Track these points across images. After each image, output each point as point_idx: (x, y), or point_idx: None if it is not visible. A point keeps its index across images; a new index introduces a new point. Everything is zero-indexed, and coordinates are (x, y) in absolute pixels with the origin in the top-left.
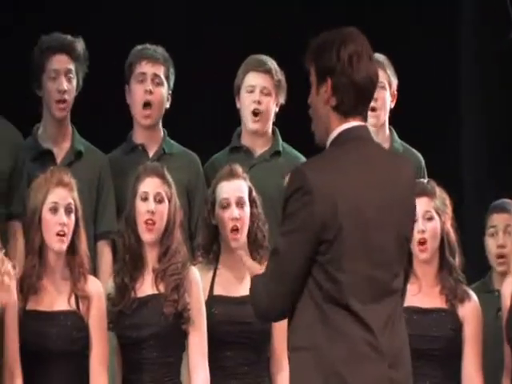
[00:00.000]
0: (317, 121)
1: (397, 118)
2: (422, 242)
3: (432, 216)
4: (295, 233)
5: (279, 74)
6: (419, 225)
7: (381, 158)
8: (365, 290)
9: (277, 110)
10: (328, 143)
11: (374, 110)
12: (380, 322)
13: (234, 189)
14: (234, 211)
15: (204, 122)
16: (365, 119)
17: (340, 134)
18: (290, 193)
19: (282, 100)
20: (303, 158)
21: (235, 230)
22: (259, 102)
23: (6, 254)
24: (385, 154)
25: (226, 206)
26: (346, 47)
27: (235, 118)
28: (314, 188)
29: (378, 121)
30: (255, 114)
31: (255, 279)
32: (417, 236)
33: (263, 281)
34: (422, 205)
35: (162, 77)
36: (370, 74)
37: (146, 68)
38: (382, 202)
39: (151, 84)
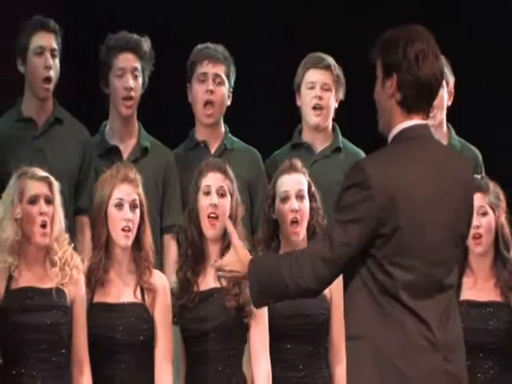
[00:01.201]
0: (381, 112)
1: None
2: (477, 237)
3: (486, 211)
4: (352, 224)
5: (338, 70)
6: (474, 220)
7: (441, 156)
8: (419, 286)
9: (336, 105)
10: (389, 139)
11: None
12: (435, 316)
13: (294, 182)
14: (294, 203)
15: (265, 119)
16: (427, 116)
17: (401, 132)
18: (348, 185)
19: (341, 95)
20: (363, 154)
21: (295, 222)
22: (320, 98)
23: (75, 248)
24: (445, 153)
25: (285, 198)
26: (413, 45)
27: (296, 116)
28: (374, 184)
29: (435, 120)
30: (316, 108)
31: (298, 252)
32: (472, 231)
33: (311, 258)
34: (476, 200)
35: (223, 76)
36: (435, 72)
37: (207, 68)
38: (440, 200)
39: (212, 84)
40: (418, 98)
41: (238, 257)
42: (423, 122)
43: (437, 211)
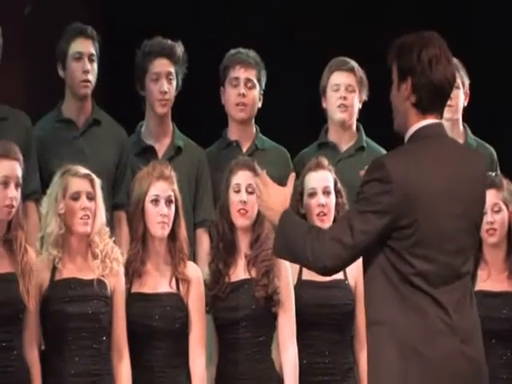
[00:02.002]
0: (397, 113)
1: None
2: (491, 233)
3: (500, 208)
4: (371, 214)
5: (361, 72)
6: (488, 216)
7: (455, 152)
8: (437, 275)
9: (360, 106)
10: (406, 138)
11: (449, 106)
12: (452, 301)
13: (321, 178)
14: (321, 198)
15: (293, 120)
16: (441, 116)
17: (417, 131)
18: (369, 179)
19: (364, 96)
20: (385, 152)
21: (322, 216)
22: (345, 98)
23: (115, 242)
24: (459, 149)
25: (313, 194)
26: (427, 50)
27: (322, 118)
28: (394, 179)
29: (454, 115)
30: (341, 107)
31: (321, 233)
32: (486, 226)
33: (333, 243)
34: (490, 197)
35: (254, 80)
36: (447, 75)
37: (239, 73)
38: (455, 193)
39: (244, 88)
40: (432, 100)
41: (284, 197)
42: (437, 121)
43: (451, 204)
